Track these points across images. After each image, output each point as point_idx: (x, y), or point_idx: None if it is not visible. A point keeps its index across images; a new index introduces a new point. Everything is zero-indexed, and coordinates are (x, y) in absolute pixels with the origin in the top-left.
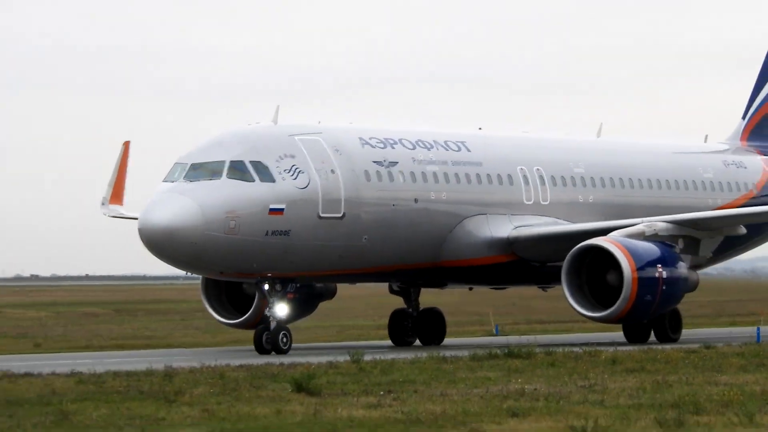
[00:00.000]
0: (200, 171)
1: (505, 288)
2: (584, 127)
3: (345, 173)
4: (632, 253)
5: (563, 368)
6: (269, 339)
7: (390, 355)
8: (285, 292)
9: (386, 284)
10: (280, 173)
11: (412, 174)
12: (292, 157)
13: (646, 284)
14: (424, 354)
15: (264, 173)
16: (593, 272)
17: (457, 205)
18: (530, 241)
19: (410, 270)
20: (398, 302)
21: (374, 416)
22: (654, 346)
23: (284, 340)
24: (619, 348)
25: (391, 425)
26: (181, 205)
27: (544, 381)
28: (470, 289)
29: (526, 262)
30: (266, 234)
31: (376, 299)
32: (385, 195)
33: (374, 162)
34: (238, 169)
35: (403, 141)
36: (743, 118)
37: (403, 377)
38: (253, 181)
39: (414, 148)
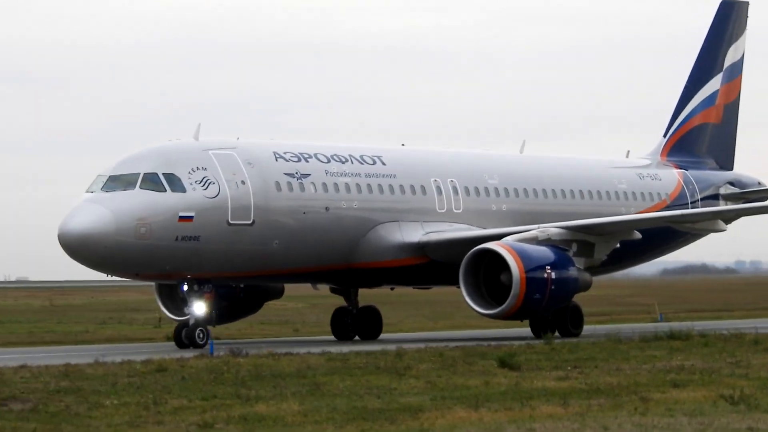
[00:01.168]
0: (117, 182)
1: (428, 288)
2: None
3: (256, 184)
4: (521, 256)
5: (714, 347)
6: (187, 335)
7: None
8: (202, 292)
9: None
10: (191, 184)
11: (324, 185)
12: (204, 169)
13: (534, 284)
14: (602, 337)
15: (176, 184)
16: (490, 273)
17: (369, 212)
18: (439, 245)
19: (323, 272)
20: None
21: (563, 386)
22: None
23: (200, 335)
24: (760, 331)
25: (576, 394)
26: (95, 213)
27: (700, 358)
28: (392, 288)
29: (438, 264)
30: (176, 239)
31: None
32: (296, 204)
33: (286, 174)
34: (151, 180)
35: (318, 155)
36: (664, 135)
37: (586, 355)
38: (165, 191)
39: (328, 162)
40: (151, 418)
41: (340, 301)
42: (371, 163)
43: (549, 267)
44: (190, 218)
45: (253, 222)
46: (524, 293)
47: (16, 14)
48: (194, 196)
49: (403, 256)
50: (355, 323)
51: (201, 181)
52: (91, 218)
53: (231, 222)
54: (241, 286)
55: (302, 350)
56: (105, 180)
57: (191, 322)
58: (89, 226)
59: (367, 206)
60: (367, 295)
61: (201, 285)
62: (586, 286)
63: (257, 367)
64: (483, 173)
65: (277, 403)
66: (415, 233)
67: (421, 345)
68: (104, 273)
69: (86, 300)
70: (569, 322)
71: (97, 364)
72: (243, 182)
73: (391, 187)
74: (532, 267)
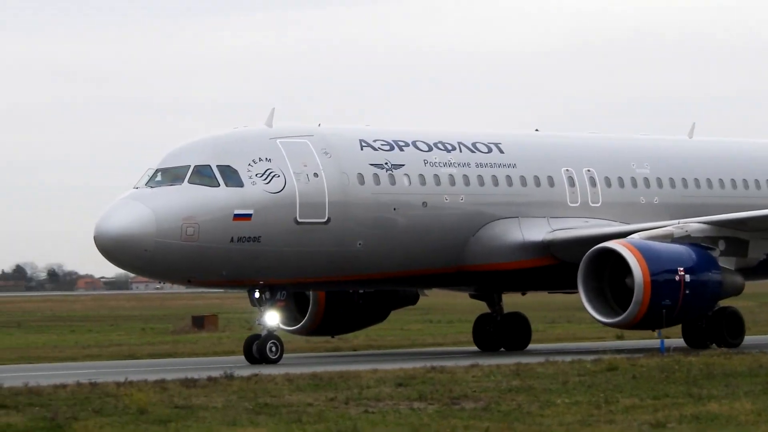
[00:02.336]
0: (165, 176)
1: (556, 292)
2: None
3: (332, 176)
4: (647, 256)
5: None
6: (258, 348)
7: None
8: (274, 299)
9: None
10: (250, 177)
11: (421, 177)
12: (268, 160)
13: (662, 288)
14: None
15: (232, 177)
16: (616, 276)
17: (479, 207)
18: (567, 244)
19: (426, 276)
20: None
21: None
22: None
23: (273, 349)
24: None
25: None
26: (133, 212)
27: None
28: (523, 294)
29: (567, 266)
30: (231, 240)
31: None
32: (384, 198)
33: (373, 164)
34: (202, 174)
35: (417, 143)
36: None
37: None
38: (218, 186)
39: (430, 150)
40: (603, 417)
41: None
42: (485, 151)
43: (682, 269)
44: (247, 216)
45: (329, 220)
46: (649, 299)
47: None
48: (253, 191)
49: (523, 256)
50: (500, 332)
51: (263, 174)
52: (129, 218)
53: (300, 220)
54: (360, 291)
55: (754, 349)
56: (152, 174)
57: (263, 333)
58: (126, 226)
59: (477, 200)
60: (511, 301)
61: (273, 292)
62: (736, 291)
63: (708, 365)
64: (630, 161)
65: (729, 402)
66: (538, 230)
67: (588, 357)
68: (148, 278)
69: None
70: (725, 330)
71: (548, 363)
72: (316, 174)
73: (508, 178)
74: (660, 269)
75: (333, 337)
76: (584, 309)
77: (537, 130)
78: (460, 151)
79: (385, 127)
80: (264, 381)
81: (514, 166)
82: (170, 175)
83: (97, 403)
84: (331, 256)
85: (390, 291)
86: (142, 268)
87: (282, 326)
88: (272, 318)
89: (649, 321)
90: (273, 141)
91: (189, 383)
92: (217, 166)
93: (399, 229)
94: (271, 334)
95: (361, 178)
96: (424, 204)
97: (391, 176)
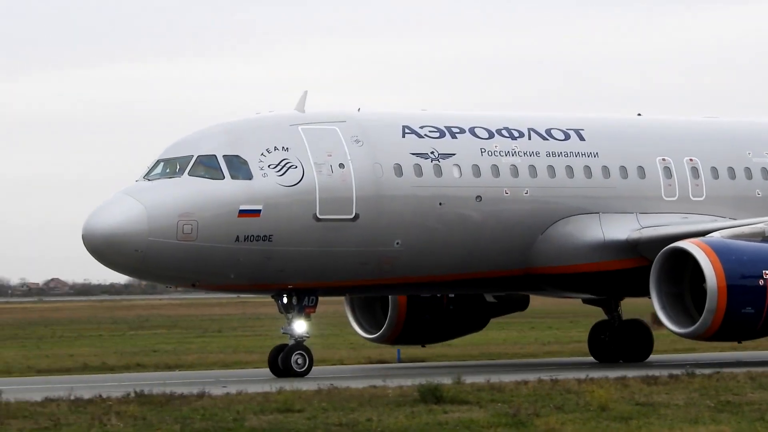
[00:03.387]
0: (165, 168)
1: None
2: None
3: (362, 167)
4: (724, 257)
5: None
6: (284, 359)
7: None
8: (301, 306)
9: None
10: (261, 168)
11: (475, 167)
12: (285, 149)
13: (741, 294)
14: None
15: (240, 169)
16: (698, 279)
17: (549, 202)
18: (656, 243)
19: (487, 279)
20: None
21: None
22: None
23: (299, 361)
24: None
25: None
26: (124, 208)
27: None
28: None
29: None
30: (237, 240)
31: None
32: (426, 192)
33: (415, 153)
34: (206, 165)
35: (476, 129)
36: None
37: None
38: (222, 178)
39: (491, 137)
40: None
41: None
42: (561, 138)
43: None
44: (255, 213)
45: (357, 216)
46: (726, 307)
47: None
48: (263, 185)
49: (604, 257)
50: (617, 341)
51: (277, 165)
52: (119, 215)
53: (320, 216)
54: (450, 295)
55: None
56: (152, 165)
57: (290, 343)
58: (115, 224)
59: (546, 194)
60: (631, 306)
61: (300, 297)
62: None
63: None
64: (745, 149)
65: None
66: (623, 227)
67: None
68: (146, 281)
69: None
70: None
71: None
72: (342, 165)
73: (587, 168)
74: (740, 272)
75: (423, 346)
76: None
77: (639, 114)
78: (529, 139)
79: (441, 112)
80: (726, 379)
81: (596, 155)
82: (171, 167)
83: (558, 400)
84: (363, 257)
85: (491, 298)
86: (135, 270)
87: (363, 334)
88: (300, 326)
89: (727, 332)
90: (294, 128)
91: (650, 380)
92: (224, 156)
93: (446, 226)
94: (299, 344)
95: (398, 169)
96: (479, 198)
97: (437, 167)
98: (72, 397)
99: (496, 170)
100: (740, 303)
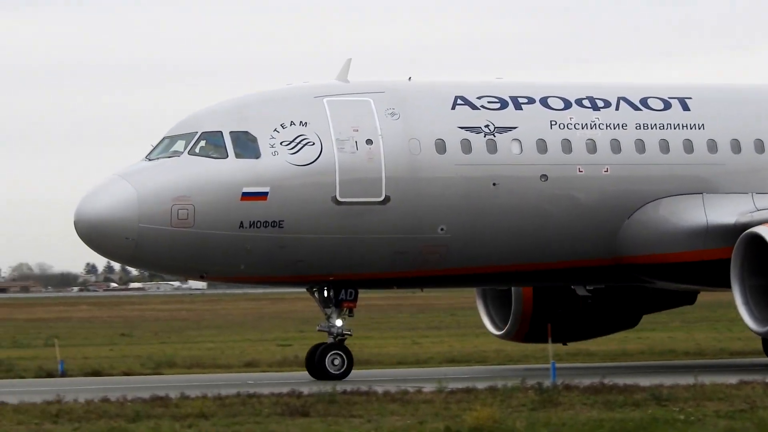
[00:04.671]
0: (167, 146)
1: None
2: None
3: (394, 143)
4: None
5: None
6: (319, 359)
7: None
8: (339, 300)
9: None
10: (272, 146)
11: (541, 142)
12: (303, 124)
13: None
14: None
15: (247, 147)
16: None
17: (636, 181)
18: None
19: (546, 271)
20: None
21: None
22: None
23: (336, 362)
24: None
25: None
26: (115, 193)
27: None
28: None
29: None
30: (240, 226)
31: None
32: (476, 171)
33: (463, 127)
34: (210, 143)
35: (549, 99)
36: None
37: None
38: (225, 157)
39: (566, 108)
40: None
41: None
42: (660, 108)
43: None
44: (262, 195)
45: (387, 199)
46: None
47: None
48: (271, 164)
49: (708, 244)
50: None
51: (291, 142)
52: (109, 199)
53: (341, 199)
54: (588, 288)
55: None
56: (156, 143)
57: (328, 341)
58: (104, 209)
59: (631, 172)
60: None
61: (337, 290)
62: None
63: None
64: None
65: None
66: (731, 210)
67: None
68: (146, 271)
69: None
70: None
71: None
72: (369, 141)
73: (688, 142)
74: None
75: (565, 344)
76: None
77: None
78: (617, 109)
79: (514, 80)
80: None
81: (702, 126)
82: (173, 145)
83: None
84: (398, 245)
85: (638, 288)
86: (130, 259)
87: (492, 330)
88: (338, 323)
89: None
90: (319, 100)
91: None
92: (231, 132)
93: (502, 210)
94: (336, 344)
95: (440, 145)
96: (544, 177)
97: (491, 142)
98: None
99: (567, 145)
100: None
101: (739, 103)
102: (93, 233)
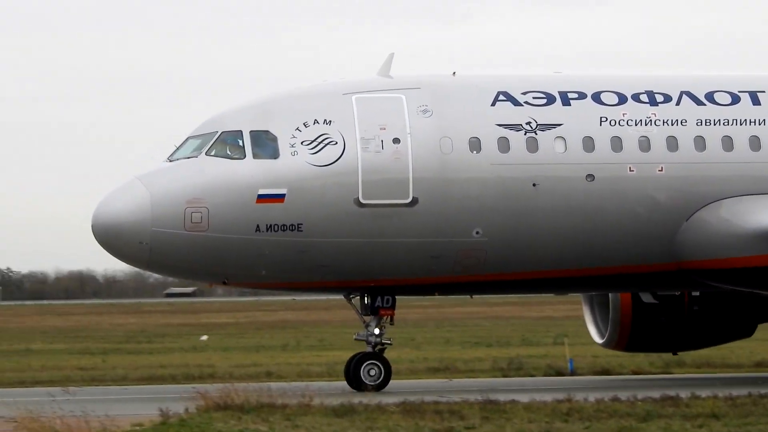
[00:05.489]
0: (188, 147)
1: None
2: None
3: (424, 141)
4: None
5: None
6: (354, 369)
7: None
8: (375, 307)
9: None
10: (292, 146)
11: (588, 140)
12: (327, 123)
13: None
14: None
15: (266, 147)
16: None
17: (694, 181)
18: None
19: (598, 277)
20: None
21: None
22: None
23: (372, 372)
24: None
25: None
26: (130, 195)
27: None
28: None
29: None
30: (257, 230)
31: None
32: (514, 171)
33: (503, 125)
34: (228, 143)
35: (602, 94)
36: None
37: None
38: (242, 157)
39: (621, 103)
40: None
41: None
42: (726, 102)
43: None
44: (279, 198)
45: (415, 201)
46: None
47: None
48: (290, 164)
49: None
50: None
51: (313, 142)
52: (122, 203)
53: (364, 201)
54: (694, 294)
55: None
56: (182, 143)
57: (367, 350)
58: (117, 213)
59: (689, 171)
60: None
61: (374, 297)
62: None
63: None
64: None
65: None
66: None
67: None
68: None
69: None
70: None
71: None
72: (397, 140)
73: (755, 140)
74: None
75: (675, 354)
76: None
77: None
78: (677, 104)
79: (569, 74)
80: None
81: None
82: (194, 146)
83: None
84: (431, 249)
85: (750, 295)
86: (146, 264)
87: (596, 339)
88: (375, 331)
89: None
90: (347, 97)
91: None
92: (251, 132)
93: (544, 212)
94: (374, 353)
95: (475, 144)
96: (590, 177)
97: (532, 140)
98: None
99: (617, 143)
100: None
101: None
102: (108, 237)
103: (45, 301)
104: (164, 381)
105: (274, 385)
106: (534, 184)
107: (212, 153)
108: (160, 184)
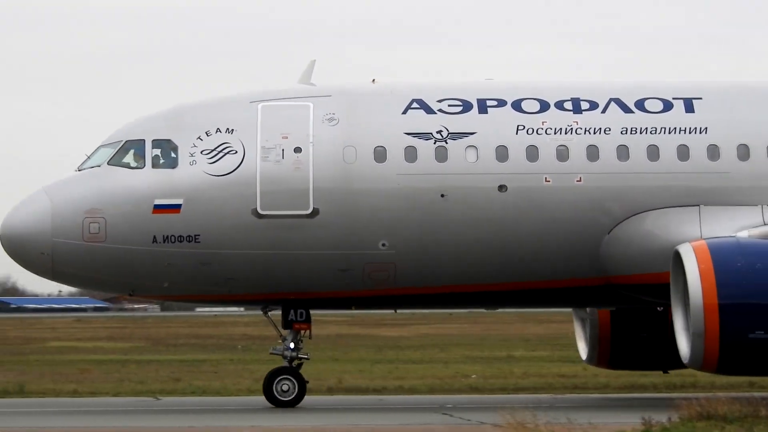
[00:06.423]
0: (100, 155)
1: None
2: None
3: (327, 151)
4: (720, 265)
5: None
6: (265, 385)
7: None
8: (288, 321)
9: None
10: (191, 155)
11: (501, 149)
12: (230, 132)
13: (743, 314)
14: None
15: (166, 156)
16: None
17: (616, 192)
18: None
19: (515, 292)
20: None
21: None
22: None
23: (284, 388)
24: None
25: None
26: (33, 206)
27: None
28: None
29: None
30: (154, 241)
31: None
32: (421, 181)
33: (410, 133)
34: (131, 152)
35: (524, 102)
36: None
37: None
38: (141, 167)
39: (542, 111)
40: None
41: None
42: (657, 110)
43: None
44: (174, 208)
45: (315, 212)
46: (719, 331)
47: None
48: (187, 174)
49: None
50: None
51: (213, 151)
52: (26, 213)
53: (262, 212)
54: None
55: None
56: (93, 151)
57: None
58: (20, 223)
59: (611, 182)
60: None
61: (286, 310)
62: None
63: None
64: None
65: None
66: (732, 224)
67: None
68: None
69: None
70: None
71: None
72: (298, 149)
73: (684, 148)
74: (744, 286)
75: (665, 372)
76: None
77: None
78: (602, 112)
79: (494, 81)
80: None
81: (705, 131)
82: (104, 155)
83: None
84: (337, 262)
85: None
86: (50, 274)
87: (582, 355)
88: (289, 345)
89: (728, 362)
90: (253, 105)
91: None
92: (153, 140)
93: (453, 224)
94: (286, 368)
95: (380, 154)
96: (503, 188)
97: (442, 149)
98: None
99: (533, 152)
100: (742, 325)
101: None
102: (13, 247)
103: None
104: (645, 390)
105: (757, 394)
106: (442, 195)
107: (115, 162)
108: (61, 195)
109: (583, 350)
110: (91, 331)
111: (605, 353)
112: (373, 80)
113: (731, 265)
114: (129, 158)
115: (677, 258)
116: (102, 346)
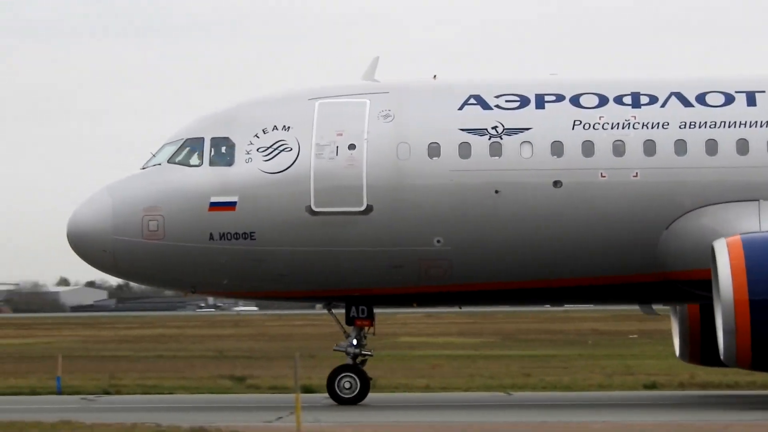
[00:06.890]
0: (163, 153)
1: None
2: None
3: (381, 147)
4: (753, 262)
5: None
6: (328, 382)
7: None
8: (350, 318)
9: None
10: (247, 153)
11: (557, 145)
12: (286, 129)
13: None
14: None
15: (223, 154)
16: None
17: (674, 187)
18: None
19: (575, 288)
20: None
21: None
22: None
23: (347, 385)
24: None
25: None
26: (95, 204)
27: None
28: None
29: None
30: (211, 238)
31: None
32: (475, 177)
33: (465, 129)
34: (191, 150)
35: (582, 96)
36: None
37: None
38: (199, 165)
39: (600, 105)
40: None
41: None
42: (718, 104)
43: None
44: (230, 206)
45: (369, 208)
46: (750, 327)
47: None
48: (242, 172)
49: None
50: None
51: (268, 148)
52: (89, 212)
53: (316, 209)
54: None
55: None
56: (159, 150)
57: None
58: (83, 222)
59: (668, 177)
60: None
61: (348, 308)
62: None
63: None
64: None
65: None
66: None
67: None
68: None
69: None
70: None
71: None
72: (352, 146)
73: (743, 143)
74: None
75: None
76: None
77: None
78: (662, 106)
79: (554, 77)
80: None
81: (765, 124)
82: (163, 153)
83: None
84: (390, 259)
85: None
86: (116, 271)
87: (677, 352)
88: (351, 342)
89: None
90: (311, 103)
91: None
92: (212, 138)
93: (506, 220)
94: (350, 365)
95: (434, 150)
96: (558, 184)
97: (497, 145)
98: None
99: (589, 147)
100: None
101: None
102: (78, 245)
103: None
104: None
105: None
106: (496, 191)
107: (175, 160)
108: (122, 193)
109: (677, 346)
110: (442, 327)
111: (696, 350)
112: (434, 76)
113: (764, 260)
114: (188, 156)
115: (713, 253)
116: (452, 342)
